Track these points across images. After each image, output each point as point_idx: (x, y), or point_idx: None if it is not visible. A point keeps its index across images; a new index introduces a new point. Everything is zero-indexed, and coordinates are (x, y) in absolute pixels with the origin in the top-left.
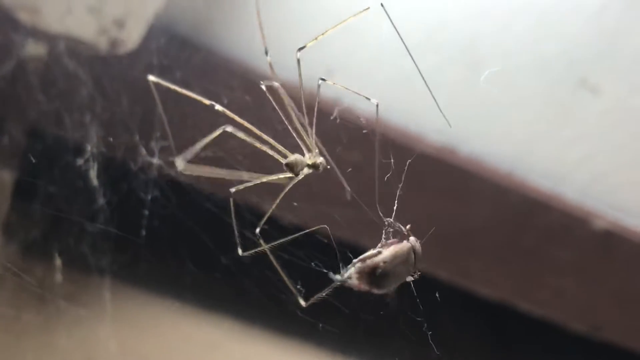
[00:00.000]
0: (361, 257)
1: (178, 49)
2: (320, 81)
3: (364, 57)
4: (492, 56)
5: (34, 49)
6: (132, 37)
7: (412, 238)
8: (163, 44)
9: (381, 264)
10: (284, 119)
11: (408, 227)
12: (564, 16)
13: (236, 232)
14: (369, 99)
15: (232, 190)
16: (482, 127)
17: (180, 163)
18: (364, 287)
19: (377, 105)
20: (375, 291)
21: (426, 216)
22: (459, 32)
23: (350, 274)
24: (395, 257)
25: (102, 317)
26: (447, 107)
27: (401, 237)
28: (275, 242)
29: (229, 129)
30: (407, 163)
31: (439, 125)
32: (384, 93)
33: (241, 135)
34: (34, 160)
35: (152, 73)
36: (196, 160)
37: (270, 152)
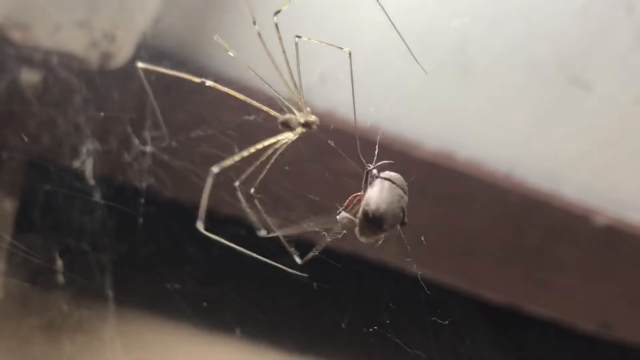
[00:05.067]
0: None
1: (171, 61)
2: (296, 39)
3: (357, 65)
4: (482, 58)
5: (28, 75)
6: (123, 50)
7: (381, 173)
8: (153, 57)
9: (366, 206)
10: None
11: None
12: (550, 16)
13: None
14: (341, 48)
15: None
16: (477, 130)
17: (200, 226)
18: (370, 237)
19: (349, 53)
20: (383, 233)
21: (427, 222)
22: (447, 36)
23: (344, 222)
24: (372, 194)
25: (105, 316)
26: (440, 112)
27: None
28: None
29: (215, 170)
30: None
31: (435, 130)
32: (379, 101)
33: (229, 162)
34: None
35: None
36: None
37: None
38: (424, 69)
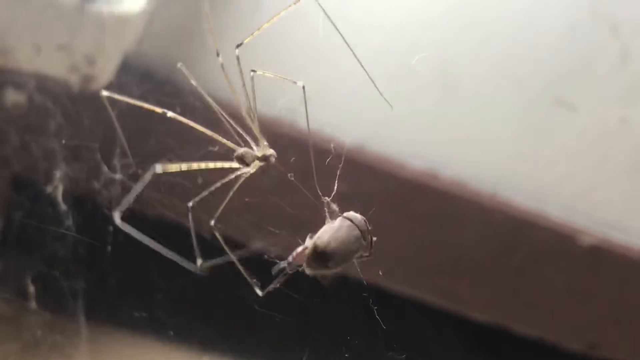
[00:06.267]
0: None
1: (146, 86)
2: (252, 73)
3: (339, 87)
4: (467, 79)
5: (13, 96)
6: (104, 73)
7: (347, 213)
8: (135, 81)
9: (318, 239)
10: (225, 117)
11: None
12: (535, 36)
13: (195, 244)
14: (295, 82)
15: (190, 204)
16: (463, 150)
17: (117, 217)
18: (316, 271)
19: (303, 87)
20: (327, 271)
21: (412, 242)
22: (433, 57)
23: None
24: (325, 231)
25: (78, 342)
26: (425, 132)
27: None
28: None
29: (159, 169)
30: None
31: (420, 150)
32: (363, 121)
33: (174, 167)
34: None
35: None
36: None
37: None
38: (388, 103)
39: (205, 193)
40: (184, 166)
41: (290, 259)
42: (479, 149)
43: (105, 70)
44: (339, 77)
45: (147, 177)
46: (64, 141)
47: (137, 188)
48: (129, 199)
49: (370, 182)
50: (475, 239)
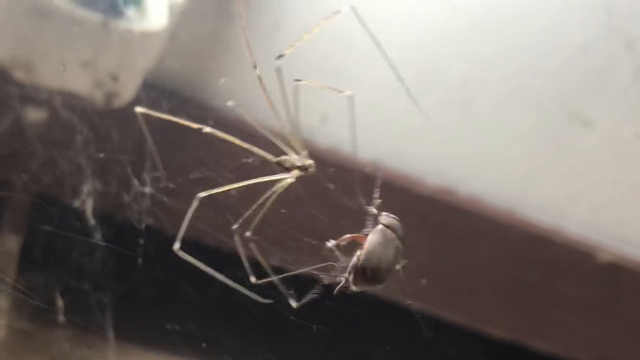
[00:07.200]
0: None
1: (172, 102)
2: (294, 82)
3: (358, 103)
4: (483, 95)
5: (34, 114)
6: (127, 90)
7: (382, 218)
8: (158, 97)
9: (365, 263)
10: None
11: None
12: (550, 52)
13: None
14: (342, 92)
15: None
16: (479, 167)
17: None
18: (366, 288)
19: (351, 97)
20: (379, 286)
21: (429, 258)
22: (447, 73)
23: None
24: (373, 248)
25: (105, 355)
26: (441, 148)
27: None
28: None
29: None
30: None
31: (436, 166)
32: (380, 138)
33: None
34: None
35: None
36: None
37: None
38: (424, 112)
39: (249, 212)
40: (226, 188)
41: (335, 242)
42: (495, 165)
43: (128, 86)
44: (357, 93)
45: (193, 206)
46: (102, 155)
47: (186, 220)
48: (182, 230)
49: (386, 198)
50: (491, 255)
